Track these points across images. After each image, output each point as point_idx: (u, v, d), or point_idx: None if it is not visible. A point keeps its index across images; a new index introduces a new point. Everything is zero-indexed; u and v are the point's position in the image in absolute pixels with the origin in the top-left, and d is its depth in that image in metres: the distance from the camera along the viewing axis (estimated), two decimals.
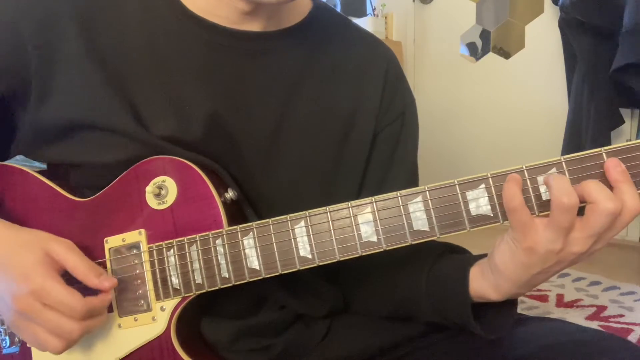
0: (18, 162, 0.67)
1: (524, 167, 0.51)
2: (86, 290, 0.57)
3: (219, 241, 0.59)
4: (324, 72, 0.70)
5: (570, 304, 1.73)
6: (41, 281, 0.54)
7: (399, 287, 0.68)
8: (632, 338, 1.47)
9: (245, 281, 0.58)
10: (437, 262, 0.64)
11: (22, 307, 0.54)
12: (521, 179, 0.51)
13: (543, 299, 1.77)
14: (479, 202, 0.52)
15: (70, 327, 0.55)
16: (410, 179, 0.74)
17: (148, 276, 0.61)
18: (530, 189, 0.51)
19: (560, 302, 1.75)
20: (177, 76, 0.63)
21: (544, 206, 0.51)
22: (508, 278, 0.54)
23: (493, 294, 0.56)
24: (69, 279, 0.57)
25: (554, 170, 0.50)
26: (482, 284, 0.57)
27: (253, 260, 0.58)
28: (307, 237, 0.56)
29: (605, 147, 0.49)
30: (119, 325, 0.62)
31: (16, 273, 0.55)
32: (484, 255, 0.59)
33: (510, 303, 0.59)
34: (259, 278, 0.58)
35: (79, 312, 0.55)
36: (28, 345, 0.63)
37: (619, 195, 0.48)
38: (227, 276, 0.59)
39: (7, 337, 0.65)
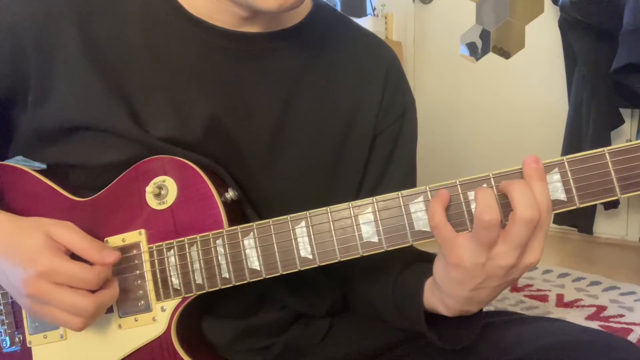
0: (18, 162, 0.67)
1: None
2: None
3: (219, 241, 0.59)
4: (325, 71, 0.70)
5: (570, 304, 1.73)
6: (48, 262, 0.54)
7: (372, 294, 0.70)
8: (632, 338, 1.47)
9: (245, 282, 0.58)
10: (403, 271, 0.66)
11: (33, 291, 0.54)
12: (449, 195, 0.51)
13: (543, 299, 1.77)
14: None
15: (84, 303, 0.55)
16: (407, 179, 0.74)
17: (148, 276, 0.61)
18: None
19: (560, 302, 1.75)
20: (176, 77, 0.63)
21: None
22: (448, 294, 0.55)
23: (442, 309, 0.58)
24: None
25: (556, 170, 0.50)
26: (432, 299, 0.59)
27: (253, 260, 0.58)
28: (308, 238, 0.56)
29: (608, 147, 0.49)
30: (119, 326, 0.62)
31: (22, 258, 0.55)
32: None
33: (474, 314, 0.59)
34: (260, 278, 0.58)
35: (92, 281, 0.55)
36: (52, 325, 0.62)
37: (534, 192, 0.48)
38: (227, 276, 0.58)
39: (7, 337, 0.65)
